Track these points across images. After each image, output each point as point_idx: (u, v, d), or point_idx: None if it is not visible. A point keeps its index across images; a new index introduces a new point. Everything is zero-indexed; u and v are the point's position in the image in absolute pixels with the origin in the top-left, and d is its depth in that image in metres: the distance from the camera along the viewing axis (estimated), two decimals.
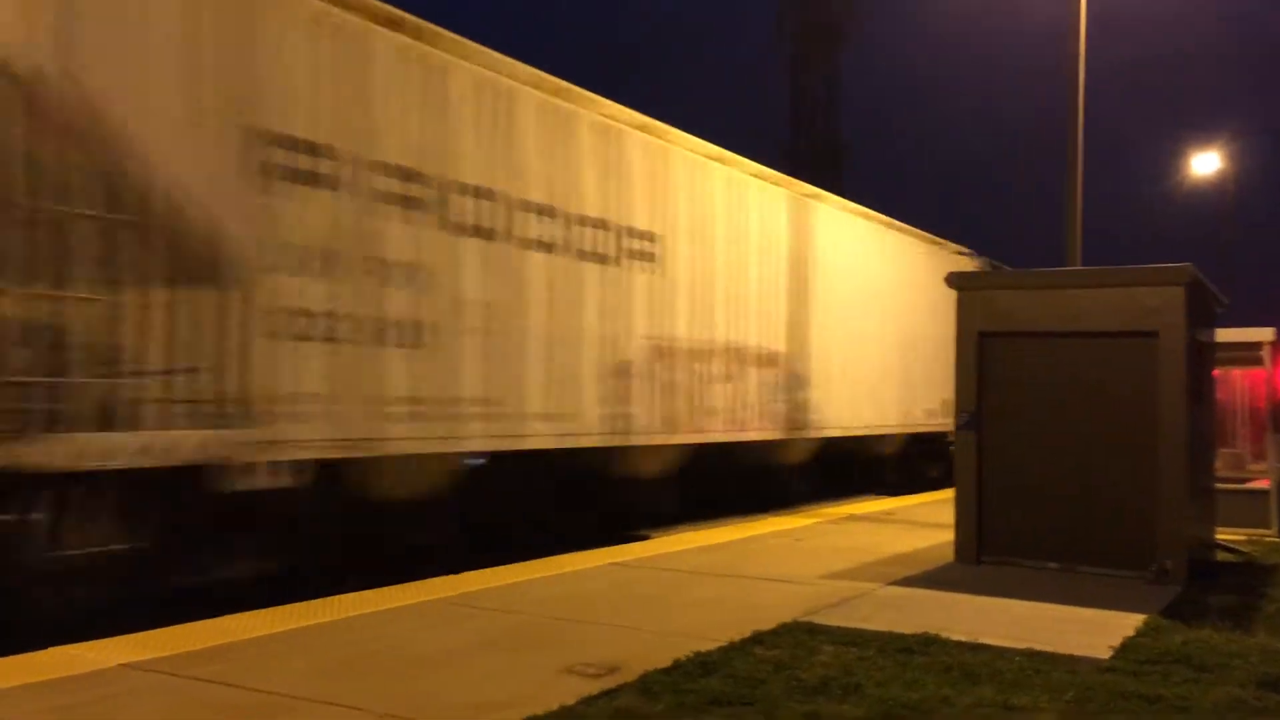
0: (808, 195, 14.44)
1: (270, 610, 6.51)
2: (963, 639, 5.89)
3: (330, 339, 7.60)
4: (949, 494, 9.38)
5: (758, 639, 5.87)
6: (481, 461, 9.58)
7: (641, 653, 5.54)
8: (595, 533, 10.72)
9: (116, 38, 6.39)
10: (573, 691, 4.82)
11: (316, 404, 7.46)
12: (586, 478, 10.86)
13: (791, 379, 13.71)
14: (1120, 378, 8.48)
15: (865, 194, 17.70)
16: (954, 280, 9.34)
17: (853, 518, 12.66)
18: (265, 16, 7.28)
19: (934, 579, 8.10)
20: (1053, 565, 8.55)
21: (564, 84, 9.96)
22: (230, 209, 6.98)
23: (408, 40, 8.35)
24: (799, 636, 5.96)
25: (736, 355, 12.56)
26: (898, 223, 17.05)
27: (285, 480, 7.23)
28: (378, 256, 7.99)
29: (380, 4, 8.10)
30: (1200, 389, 9.12)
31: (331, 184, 7.67)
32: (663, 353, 11.25)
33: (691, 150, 11.96)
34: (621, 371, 10.58)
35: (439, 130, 8.58)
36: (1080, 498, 8.55)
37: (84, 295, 6.16)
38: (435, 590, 7.26)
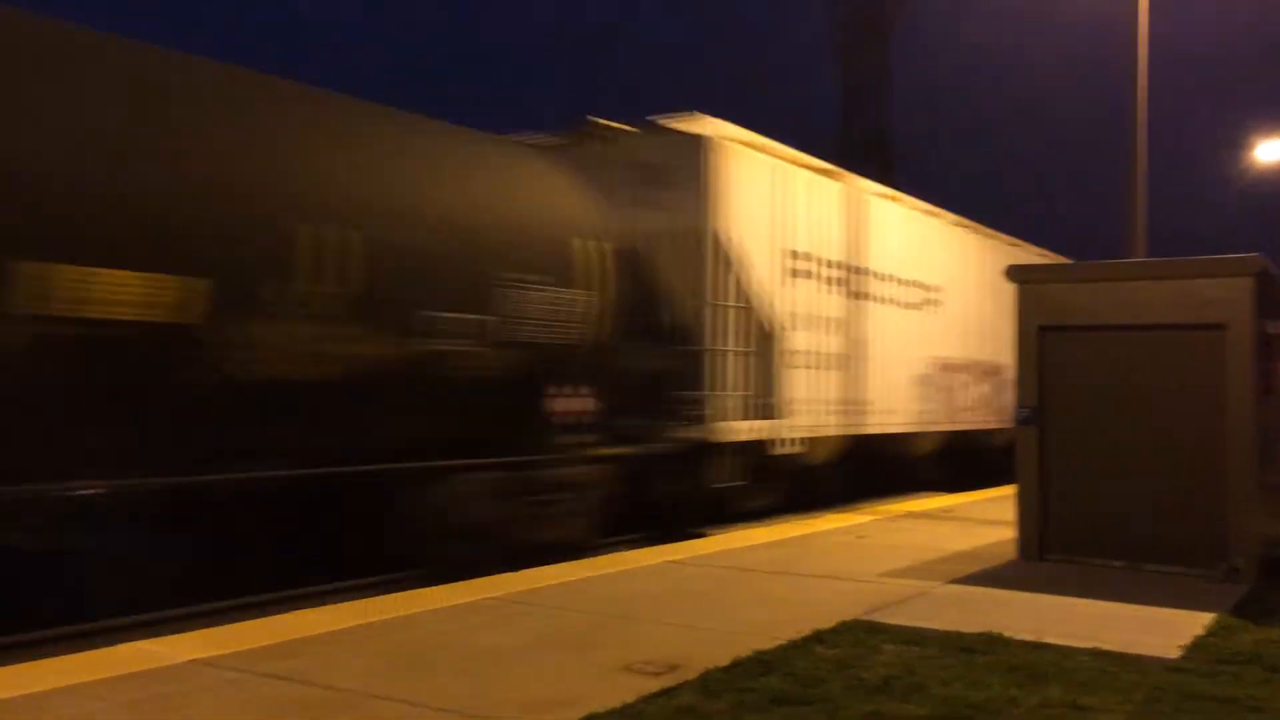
0: (985, 234, 18.56)
1: (336, 607, 6.61)
2: (1027, 638, 5.81)
3: (807, 367, 13.02)
4: (1008, 491, 9.25)
5: (818, 637, 5.84)
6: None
7: (701, 651, 5.53)
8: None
9: (743, 213, 12.02)
10: (633, 689, 4.83)
11: (802, 405, 12.85)
12: (893, 455, 15.65)
13: (999, 383, 17.88)
14: (1186, 371, 8.30)
15: (915, 185, 17.81)
16: (1014, 273, 9.21)
17: (911, 515, 12.54)
18: (794, 181, 13.09)
19: (996, 577, 8.00)
20: (1118, 563, 8.40)
21: (896, 192, 15.81)
22: (776, 296, 12.48)
23: (837, 184, 14.01)
24: (859, 635, 5.92)
25: (975, 367, 17.74)
26: (984, 229, 18.94)
27: (795, 449, 12.69)
28: (823, 316, 13.48)
29: (821, 163, 13.84)
30: (1269, 382, 8.90)
31: (807, 275, 13.13)
32: (941, 367, 16.56)
33: (954, 223, 17.43)
34: (920, 381, 15.89)
35: (853, 234, 14.22)
36: (1145, 494, 8.39)
37: (727, 348, 11.77)
38: (495, 587, 7.32)
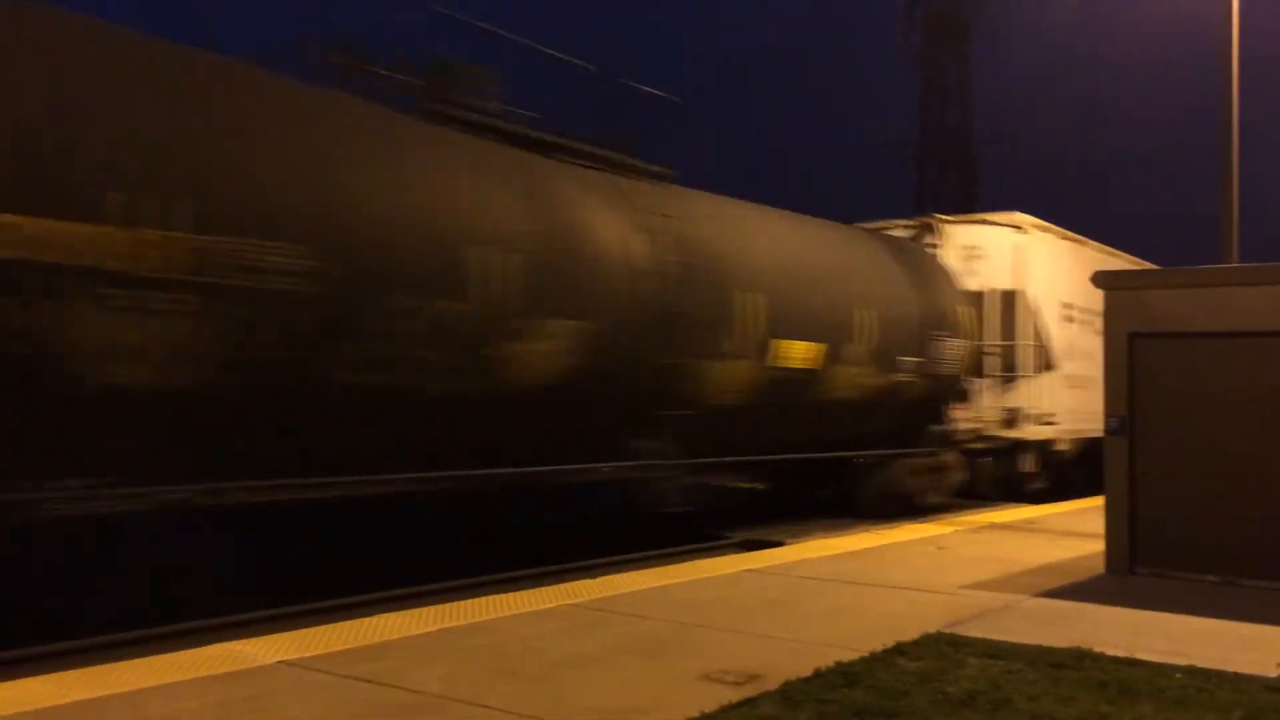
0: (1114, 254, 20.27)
1: (417, 611, 6.70)
2: (1118, 654, 5.65)
3: (1069, 387, 16.73)
4: (1096, 503, 9.01)
5: (900, 649, 5.75)
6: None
7: (781, 661, 5.49)
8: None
9: (1037, 276, 16.28)
10: (713, 698, 4.81)
11: (1066, 415, 16.51)
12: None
13: None
14: None
15: (996, 190, 18.17)
16: (1101, 279, 8.98)
17: (993, 526, 12.28)
18: (1061, 249, 17.36)
19: (1084, 591, 7.80)
20: (1212, 578, 8.12)
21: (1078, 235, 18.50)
22: (1054, 336, 16.55)
23: (1080, 246, 18.05)
24: (942, 648, 5.81)
25: None
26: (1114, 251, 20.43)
27: (1064, 447, 16.58)
28: (1076, 347, 16.98)
29: (1073, 234, 17.96)
30: None
31: (1069, 319, 17.03)
32: None
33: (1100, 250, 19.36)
34: None
35: (1082, 284, 14.82)
36: (1241, 506, 8.10)
37: (1029, 374, 15.88)
38: (570, 594, 7.35)
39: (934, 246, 16.23)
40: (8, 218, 5.69)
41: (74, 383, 6.03)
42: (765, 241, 11.74)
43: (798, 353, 11.42)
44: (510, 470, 8.94)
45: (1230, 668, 5.45)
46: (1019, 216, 16.76)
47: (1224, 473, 8.19)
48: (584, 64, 10.85)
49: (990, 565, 9.03)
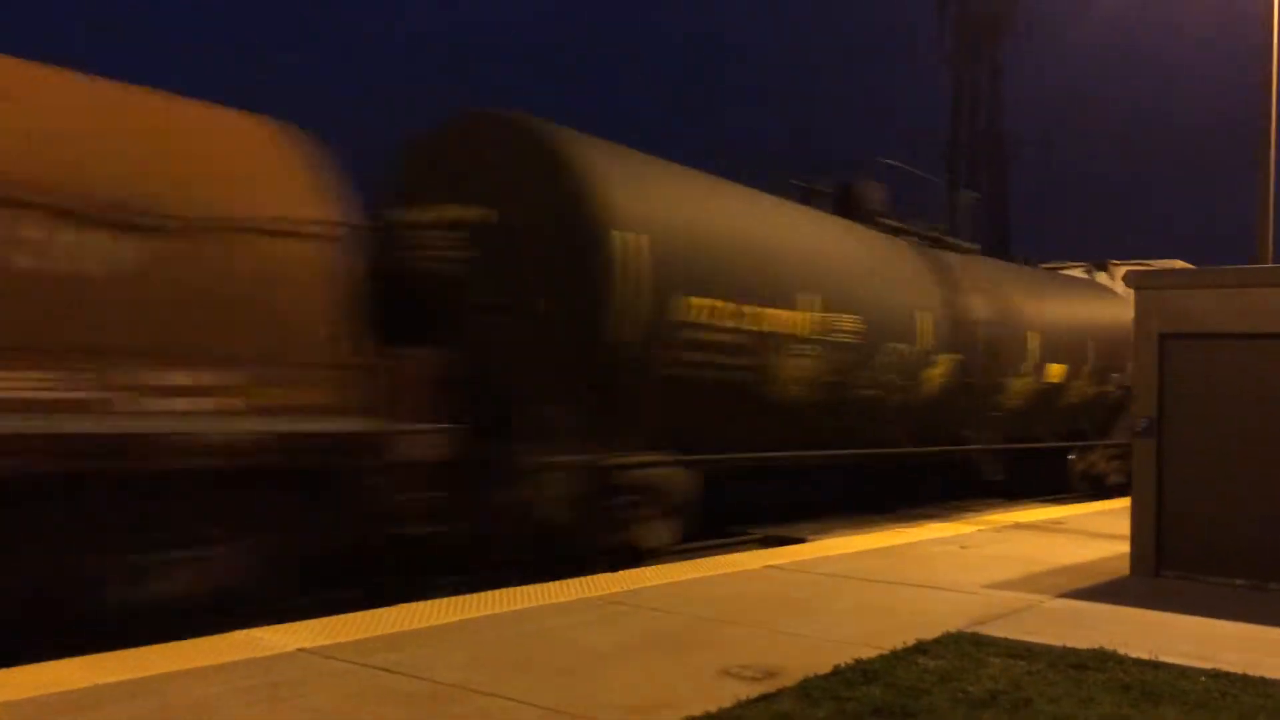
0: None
1: (439, 601, 6.73)
2: (1142, 656, 5.60)
3: None
4: (1122, 504, 8.93)
5: (921, 648, 5.73)
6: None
7: (800, 657, 5.48)
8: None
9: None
10: (731, 694, 4.81)
11: None
12: None
13: None
14: None
15: (1030, 192, 18.34)
16: (1132, 279, 8.90)
17: (1018, 525, 12.20)
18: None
19: (1108, 592, 7.73)
20: (1239, 582, 8.04)
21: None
22: None
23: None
24: (964, 647, 5.78)
25: None
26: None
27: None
28: None
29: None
30: None
31: None
32: None
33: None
34: None
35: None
36: (1270, 510, 8.01)
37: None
38: (592, 588, 7.37)
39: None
40: (755, 308, 10.22)
41: (773, 397, 10.73)
42: (1037, 292, 16.84)
43: (1055, 372, 16.12)
44: (921, 449, 14.03)
45: (1256, 672, 5.39)
46: (1174, 263, 19.92)
47: (1252, 475, 8.11)
48: (933, 178, 17.38)
49: (1014, 565, 8.97)
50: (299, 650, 5.45)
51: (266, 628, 5.89)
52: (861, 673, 5.20)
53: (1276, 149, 13.29)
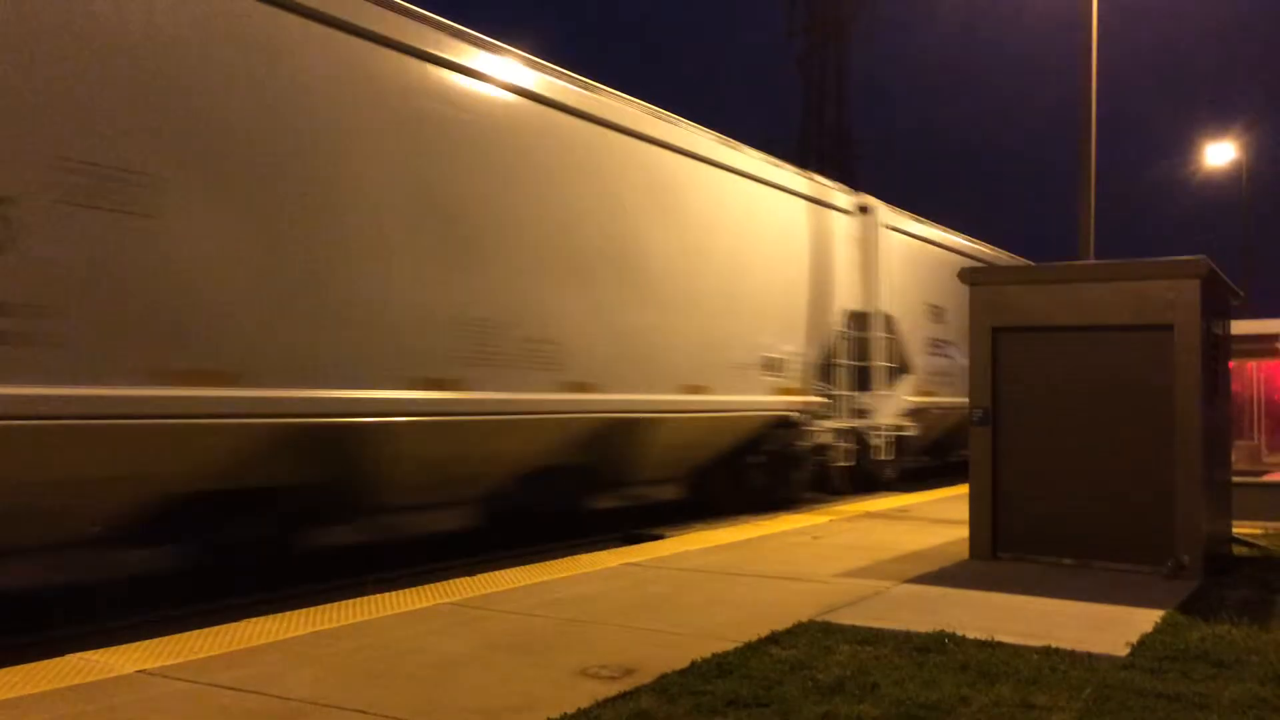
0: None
1: (286, 615, 6.53)
2: (979, 637, 5.87)
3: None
4: (963, 490, 9.35)
5: (774, 639, 5.86)
6: None
7: (658, 654, 5.53)
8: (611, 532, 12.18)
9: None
10: (588, 694, 4.82)
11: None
12: None
13: None
14: (1135, 372, 8.44)
15: (873, 185, 18.55)
16: (967, 275, 9.31)
17: (868, 515, 12.63)
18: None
19: (949, 576, 8.08)
20: (1068, 561, 8.52)
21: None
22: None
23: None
24: (815, 636, 5.95)
25: None
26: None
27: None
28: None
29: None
30: (1216, 382, 9.07)
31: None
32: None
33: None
34: None
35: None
36: (1095, 493, 8.52)
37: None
38: (449, 593, 7.27)
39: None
40: None
41: None
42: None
43: None
44: None
45: (1083, 648, 5.72)
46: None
47: (1078, 460, 8.60)
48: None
49: (862, 553, 9.28)
50: (138, 672, 5.20)
51: (100, 650, 5.59)
52: (717, 666, 5.29)
53: (1098, 152, 14.10)
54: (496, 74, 9.71)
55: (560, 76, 10.63)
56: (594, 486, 11.99)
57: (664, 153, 12.05)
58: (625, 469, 12.12)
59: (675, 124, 12.43)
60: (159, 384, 7.05)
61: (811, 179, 15.54)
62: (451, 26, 9.32)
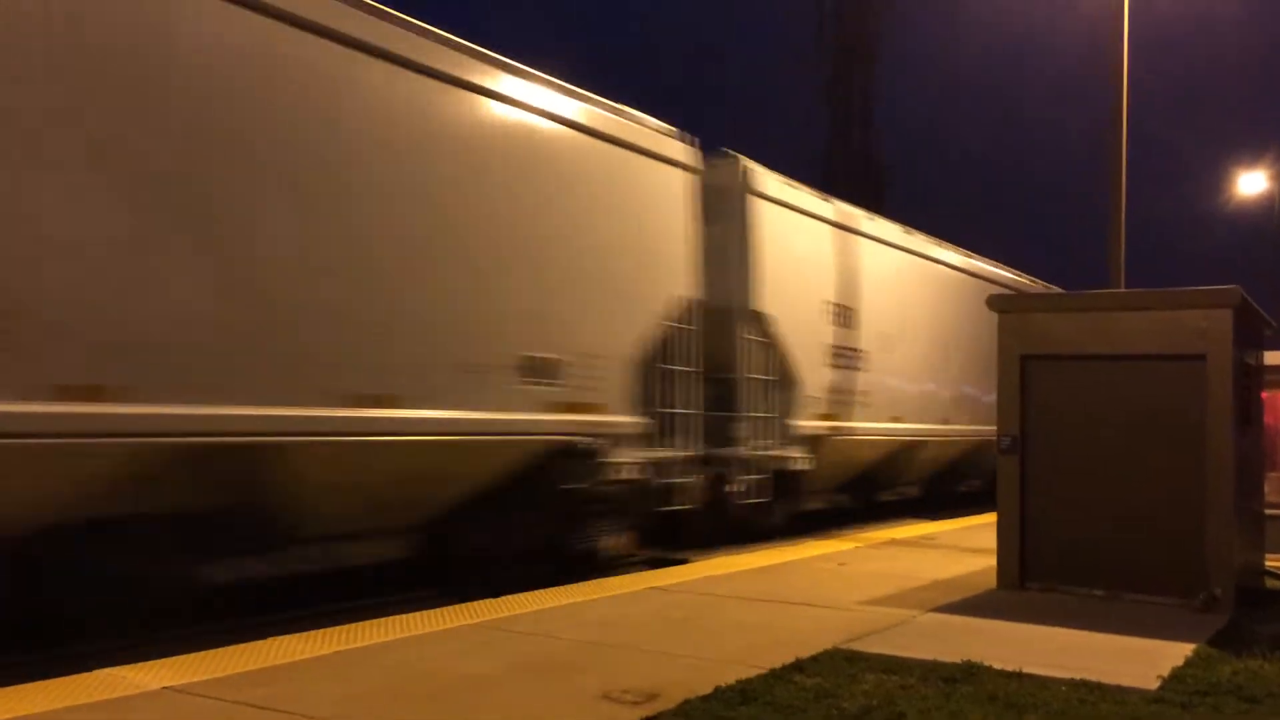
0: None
1: (313, 634, 6.55)
2: (1007, 668, 5.80)
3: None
4: (991, 518, 9.27)
5: (799, 666, 5.82)
6: None
7: (681, 679, 5.51)
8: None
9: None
10: (610, 718, 4.81)
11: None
12: None
13: None
14: (1167, 401, 8.35)
15: (903, 211, 18.04)
16: (996, 303, 9.26)
17: (894, 542, 12.54)
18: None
19: (976, 606, 8.00)
20: (1098, 592, 8.41)
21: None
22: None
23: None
24: (840, 664, 5.91)
25: None
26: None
27: None
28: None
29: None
30: (1248, 412, 8.96)
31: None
32: None
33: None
34: None
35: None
36: (1126, 523, 8.42)
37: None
38: (475, 614, 7.28)
39: None
40: None
41: None
42: None
43: None
44: None
45: (1113, 680, 5.64)
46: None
47: (1107, 489, 8.51)
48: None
49: (889, 581, 9.21)
50: (165, 688, 5.23)
51: (127, 666, 5.63)
52: (740, 692, 5.25)
53: (1127, 180, 14.03)
54: None
55: None
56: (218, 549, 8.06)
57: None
58: (272, 519, 8.08)
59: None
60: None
61: (625, 115, 11.15)
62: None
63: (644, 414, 10.99)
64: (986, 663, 5.89)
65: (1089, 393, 8.66)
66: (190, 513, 7.51)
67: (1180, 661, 6.16)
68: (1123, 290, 12.88)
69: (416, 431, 8.53)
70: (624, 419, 10.71)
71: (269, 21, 7.65)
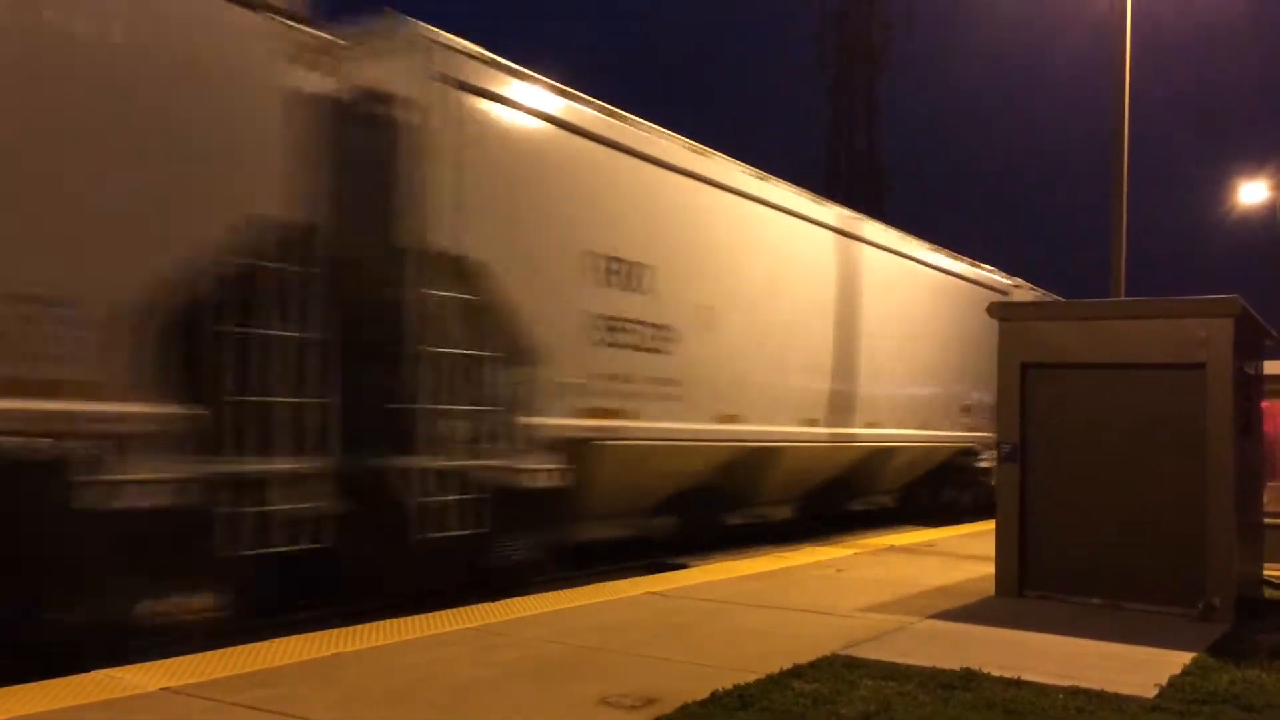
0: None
1: (310, 635, 6.55)
2: (1005, 675, 5.80)
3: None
4: (990, 526, 9.26)
5: (796, 672, 5.82)
6: None
7: (679, 684, 5.50)
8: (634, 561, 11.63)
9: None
10: None
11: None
12: None
13: None
14: (1167, 410, 8.35)
15: (905, 217, 17.53)
16: (996, 311, 9.27)
17: (893, 549, 12.53)
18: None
19: (974, 613, 7.99)
20: (1096, 601, 8.41)
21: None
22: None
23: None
24: (838, 670, 5.90)
25: None
26: None
27: None
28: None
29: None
30: (1249, 422, 8.97)
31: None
32: None
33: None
34: None
35: None
36: (1125, 532, 8.41)
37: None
38: (473, 618, 7.27)
39: None
40: None
41: None
42: None
43: None
44: None
45: (1111, 688, 5.63)
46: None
47: (1106, 498, 8.51)
48: None
49: (887, 588, 9.20)
50: (162, 689, 5.23)
51: (124, 667, 5.63)
52: (738, 698, 5.25)
53: (1129, 188, 14.05)
54: None
55: None
56: None
57: None
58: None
59: None
60: None
61: None
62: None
63: (183, 402, 6.65)
64: (985, 670, 5.88)
65: (1088, 401, 8.66)
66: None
67: (1178, 670, 6.15)
68: (1123, 299, 12.88)
69: None
70: (132, 409, 6.44)
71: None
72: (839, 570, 10.35)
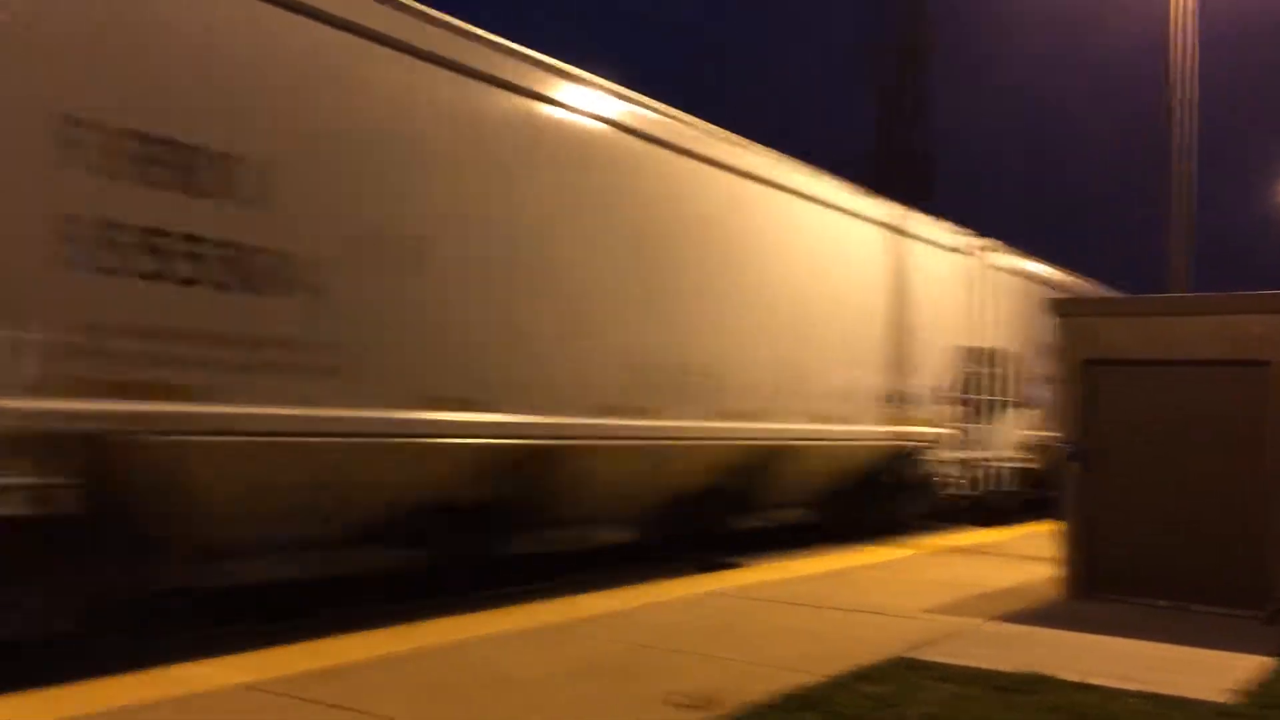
0: None
1: (383, 631, 6.67)
2: (1072, 678, 5.74)
3: None
4: (1047, 527, 9.16)
5: (859, 674, 5.81)
6: None
7: (739, 684, 5.53)
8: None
9: None
10: None
11: None
12: None
13: None
14: (1230, 408, 8.21)
15: (953, 209, 16.59)
16: (1058, 307, 9.16)
17: (953, 550, 12.44)
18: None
19: (1039, 615, 7.92)
20: (1163, 603, 8.28)
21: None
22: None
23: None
24: (902, 672, 5.88)
25: None
26: None
27: None
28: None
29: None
30: None
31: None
32: None
33: None
34: None
35: None
36: (1191, 533, 8.28)
37: None
38: (535, 616, 7.35)
39: None
40: None
41: None
42: None
43: None
44: None
45: (1180, 692, 5.56)
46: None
47: (1170, 499, 8.38)
48: None
49: (949, 589, 9.14)
50: (238, 685, 5.35)
51: (204, 662, 5.77)
52: (800, 699, 5.26)
53: (1189, 183, 13.78)
54: None
55: None
56: None
57: None
58: None
59: None
60: None
61: None
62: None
63: None
64: (1050, 673, 5.83)
65: (1152, 398, 8.53)
66: None
67: (1248, 674, 6.06)
68: (1183, 295, 12.65)
69: None
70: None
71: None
72: (897, 572, 10.29)
